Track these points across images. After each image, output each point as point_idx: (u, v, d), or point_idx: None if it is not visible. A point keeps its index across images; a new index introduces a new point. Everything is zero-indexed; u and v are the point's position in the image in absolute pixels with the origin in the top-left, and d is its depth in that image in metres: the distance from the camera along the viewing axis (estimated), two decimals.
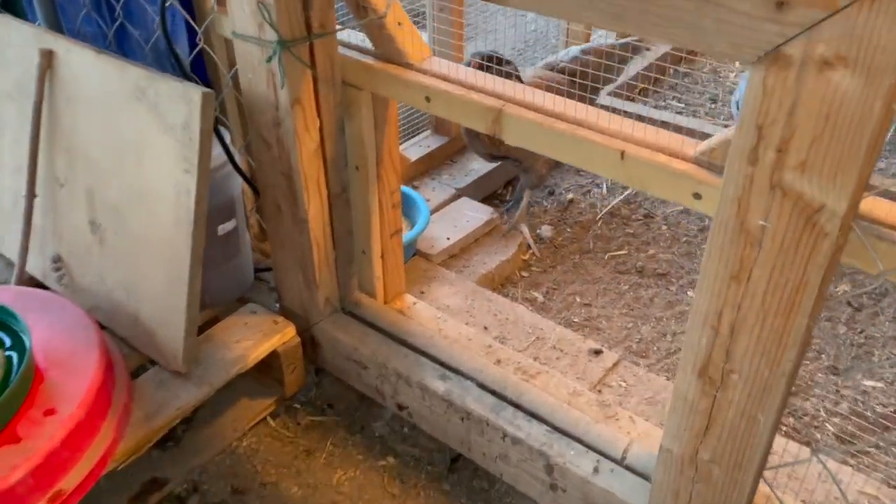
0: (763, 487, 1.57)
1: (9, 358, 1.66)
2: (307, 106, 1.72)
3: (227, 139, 1.95)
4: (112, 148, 1.85)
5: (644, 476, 1.64)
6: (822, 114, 0.99)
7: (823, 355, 2.35)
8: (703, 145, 1.33)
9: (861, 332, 2.41)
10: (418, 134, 3.06)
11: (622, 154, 1.39)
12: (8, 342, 1.70)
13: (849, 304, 2.51)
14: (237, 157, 1.97)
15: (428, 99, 1.65)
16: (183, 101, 1.66)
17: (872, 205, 1.15)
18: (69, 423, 1.57)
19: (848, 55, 0.93)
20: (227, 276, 2.09)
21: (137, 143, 1.78)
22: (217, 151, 1.90)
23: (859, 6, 0.90)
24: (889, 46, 0.90)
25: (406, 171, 2.86)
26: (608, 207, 2.97)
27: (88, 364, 1.69)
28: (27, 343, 1.66)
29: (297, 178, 1.80)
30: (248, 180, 2.02)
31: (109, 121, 1.84)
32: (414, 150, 2.97)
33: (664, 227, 2.88)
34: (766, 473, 1.47)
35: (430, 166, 2.99)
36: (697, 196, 1.32)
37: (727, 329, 1.24)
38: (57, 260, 2.08)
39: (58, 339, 1.76)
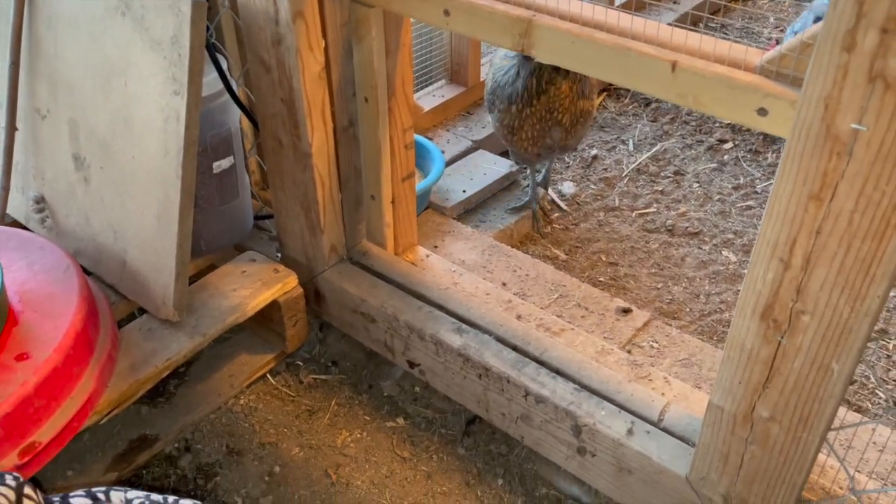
0: (832, 452, 1.39)
1: None
2: (311, 21, 1.53)
3: (225, 67, 1.77)
4: (96, 72, 1.67)
5: (684, 439, 1.47)
6: None
7: None
8: (772, 52, 1.13)
9: None
10: (433, 83, 2.86)
11: (673, 66, 1.20)
12: None
13: None
14: (234, 86, 1.79)
15: (447, 12, 1.45)
16: (171, 12, 1.48)
17: None
18: (44, 370, 1.41)
19: None
20: (224, 219, 1.91)
21: (122, 63, 1.60)
22: (212, 77, 1.72)
23: None
24: None
25: (419, 121, 2.67)
26: (635, 163, 2.78)
27: (67, 307, 1.53)
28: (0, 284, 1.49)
29: (299, 105, 1.62)
30: (247, 111, 1.84)
31: (93, 41, 1.65)
32: (427, 99, 2.78)
33: (696, 185, 2.68)
34: (828, 436, 1.29)
35: (444, 117, 2.79)
36: (763, 112, 1.13)
37: (800, 260, 1.05)
38: (40, 201, 1.92)
39: (35, 281, 1.60)
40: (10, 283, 1.56)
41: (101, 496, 1.11)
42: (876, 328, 2.13)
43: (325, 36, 1.59)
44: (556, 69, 2.04)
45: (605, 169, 2.78)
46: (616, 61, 1.26)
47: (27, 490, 1.04)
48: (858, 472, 1.50)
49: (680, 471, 1.42)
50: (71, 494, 1.10)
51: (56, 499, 1.10)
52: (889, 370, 2.01)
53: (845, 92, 0.91)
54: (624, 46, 1.25)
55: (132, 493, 1.14)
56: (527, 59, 2.05)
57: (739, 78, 1.14)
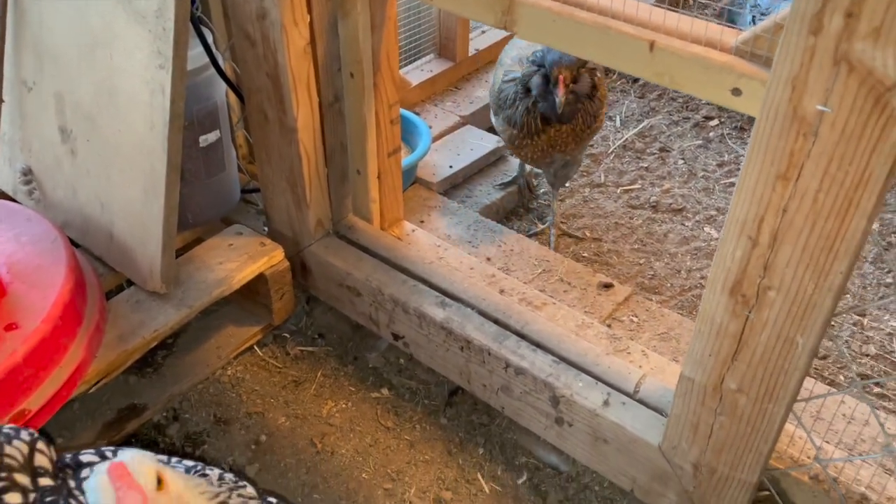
0: (787, 426, 1.44)
1: None
2: None
3: (210, 40, 1.77)
4: (81, 44, 1.67)
5: (658, 410, 1.51)
6: None
7: (848, 295, 2.21)
8: (746, 33, 1.16)
9: (889, 272, 2.26)
10: (420, 57, 2.86)
11: (651, 45, 1.22)
12: None
13: (881, 239, 2.36)
14: (220, 60, 1.80)
15: None
16: None
17: None
18: (32, 339, 1.43)
19: None
20: (211, 192, 1.93)
21: (107, 35, 1.61)
22: (197, 51, 1.72)
23: None
24: None
25: (406, 95, 2.68)
26: (622, 140, 2.80)
27: (55, 278, 1.55)
28: None
29: (284, 80, 1.63)
30: (232, 85, 1.85)
31: (77, 13, 1.65)
32: (415, 73, 2.78)
33: (681, 162, 2.71)
34: (795, 408, 1.34)
35: (432, 92, 2.80)
36: (737, 91, 1.16)
37: (768, 238, 1.09)
38: (27, 173, 1.92)
39: (22, 252, 1.62)
40: None
41: (109, 454, 1.15)
42: (849, 305, 2.18)
43: (310, 11, 1.60)
44: (548, 120, 1.97)
45: (592, 145, 2.80)
46: (596, 40, 1.28)
47: (40, 445, 1.08)
48: (827, 442, 1.55)
49: (653, 440, 1.47)
50: (81, 452, 1.14)
51: (68, 456, 1.14)
52: (863, 345, 2.06)
53: (812, 73, 0.94)
54: (604, 25, 1.26)
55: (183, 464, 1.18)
56: (527, 91, 1.97)
57: (714, 58, 1.17)
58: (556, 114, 1.93)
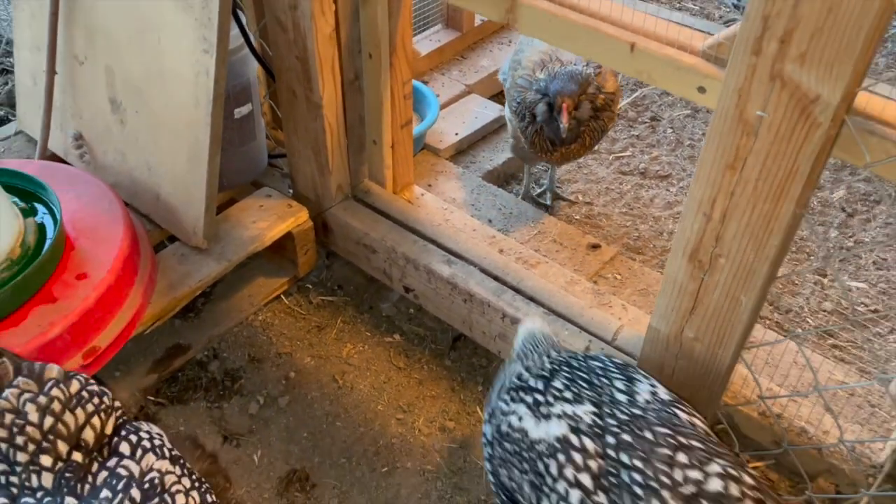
0: (742, 370, 1.70)
1: (41, 224, 1.76)
2: None
3: (244, 22, 1.97)
4: (131, 26, 1.87)
5: (632, 355, 1.77)
6: (824, 7, 1.03)
7: (813, 257, 2.46)
8: (711, 39, 1.37)
9: (852, 237, 2.50)
10: (429, 27, 3.04)
11: (632, 47, 1.43)
12: (40, 211, 1.80)
13: (843, 209, 2.59)
14: (252, 41, 2.00)
15: None
16: None
17: (867, 101, 1.21)
18: (101, 287, 1.68)
19: None
20: (243, 159, 2.16)
21: (156, 21, 1.81)
22: (234, 33, 1.92)
23: None
24: None
25: (416, 65, 2.87)
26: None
27: (115, 234, 1.79)
28: (57, 212, 1.75)
29: (312, 63, 1.84)
30: (264, 64, 2.06)
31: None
32: (424, 44, 2.97)
33: (669, 131, 2.92)
34: (746, 356, 1.60)
35: (440, 61, 2.99)
36: (702, 90, 1.37)
37: (719, 215, 1.32)
38: (78, 137, 2.15)
39: (84, 211, 1.85)
40: (63, 213, 1.81)
41: (146, 443, 1.27)
42: (814, 267, 2.43)
43: (335, 1, 1.80)
44: (562, 141, 2.11)
45: None
46: (586, 39, 1.49)
47: (95, 420, 1.23)
48: (778, 385, 1.82)
49: None
50: (125, 426, 1.29)
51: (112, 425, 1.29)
52: (822, 302, 2.31)
53: (753, 86, 1.16)
54: (593, 27, 1.47)
55: None
56: (534, 117, 2.11)
57: (684, 60, 1.38)
58: (560, 138, 2.10)
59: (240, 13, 1.97)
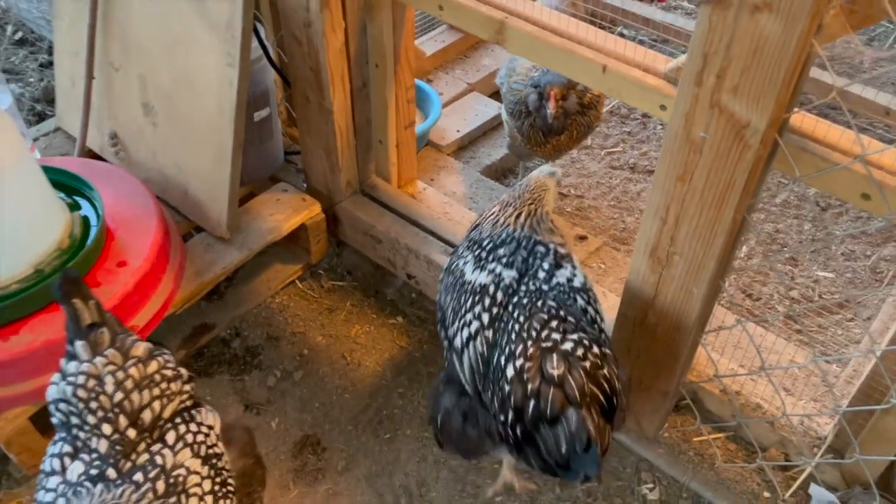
0: (704, 351, 1.92)
1: (85, 217, 1.99)
2: (335, 9, 1.95)
3: (263, 34, 2.18)
4: (162, 40, 2.09)
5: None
6: (751, 49, 1.23)
7: (786, 248, 2.65)
8: (671, 64, 1.56)
9: (824, 229, 2.69)
10: (434, 28, 3.23)
11: (604, 68, 1.63)
12: (83, 205, 2.03)
13: (817, 203, 2.78)
14: (271, 51, 2.21)
15: (441, 7, 1.86)
16: (226, 2, 1.89)
17: (802, 120, 1.41)
18: (138, 273, 1.92)
19: (772, 3, 1.17)
20: (262, 156, 2.38)
21: (185, 37, 2.03)
22: (253, 45, 2.13)
23: None
24: None
25: (421, 65, 3.07)
26: (608, 106, 3.18)
27: (149, 226, 2.02)
28: (99, 206, 1.98)
29: (324, 73, 2.05)
30: (280, 72, 2.27)
31: (160, 14, 2.07)
32: (430, 44, 3.16)
33: (659, 127, 3.10)
34: (709, 339, 1.81)
35: (444, 61, 3.18)
36: (663, 107, 1.57)
37: (673, 219, 1.53)
38: (113, 136, 2.38)
39: (122, 205, 2.08)
40: (104, 206, 2.05)
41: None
42: (786, 257, 2.62)
43: (345, 18, 2.00)
44: (547, 134, 2.31)
45: None
46: (564, 60, 1.69)
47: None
48: (741, 366, 2.03)
49: None
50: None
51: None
52: (789, 290, 2.51)
53: (697, 111, 1.36)
54: (569, 49, 1.67)
55: None
56: (528, 111, 2.30)
57: (648, 81, 1.58)
58: (547, 124, 2.29)
59: (259, 26, 2.18)
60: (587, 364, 1.42)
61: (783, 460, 1.94)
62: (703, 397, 2.01)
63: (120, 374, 1.39)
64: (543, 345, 1.46)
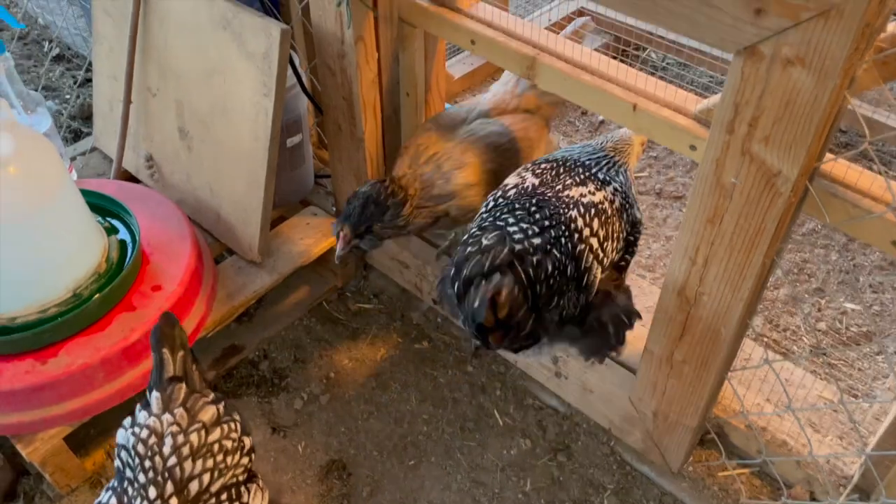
0: (730, 385, 1.92)
1: (122, 241, 2.04)
2: (368, 42, 1.98)
3: (297, 62, 2.22)
4: (200, 67, 2.14)
5: (632, 370, 2.00)
6: (783, 101, 1.24)
7: (813, 278, 2.64)
8: (702, 105, 1.58)
9: (851, 260, 2.68)
10: (462, 52, 3.26)
11: (634, 107, 1.64)
12: (119, 228, 2.08)
13: (844, 234, 2.76)
14: (304, 80, 2.25)
15: (473, 42, 1.89)
16: (263, 34, 1.93)
17: (833, 167, 1.41)
18: (172, 298, 1.96)
19: (805, 58, 1.18)
20: (293, 181, 2.42)
21: (221, 66, 2.07)
22: (288, 73, 2.17)
23: (816, 21, 1.14)
24: (836, 54, 1.14)
25: (450, 87, 3.10)
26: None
27: (183, 250, 2.07)
28: (136, 230, 2.03)
29: (356, 104, 2.08)
30: (313, 100, 2.31)
31: (198, 44, 2.12)
32: (458, 67, 3.19)
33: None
34: (735, 374, 1.81)
35: (472, 83, 3.21)
36: (693, 147, 1.58)
37: (702, 260, 1.54)
38: (149, 159, 2.43)
39: (157, 229, 2.13)
40: (140, 231, 2.10)
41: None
42: (813, 287, 2.61)
43: (378, 50, 2.04)
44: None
45: None
46: (595, 97, 1.71)
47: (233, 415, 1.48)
48: (768, 401, 2.03)
49: (625, 392, 1.96)
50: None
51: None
52: (817, 322, 2.50)
53: (728, 158, 1.38)
54: (601, 88, 1.69)
55: None
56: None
57: (678, 122, 1.59)
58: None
59: (293, 55, 2.22)
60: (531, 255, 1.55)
61: (808, 499, 1.93)
62: (729, 432, 2.00)
63: (180, 438, 1.38)
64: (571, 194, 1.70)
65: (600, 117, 3.27)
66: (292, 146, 2.32)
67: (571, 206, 1.68)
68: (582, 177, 1.79)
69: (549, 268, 1.58)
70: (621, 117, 1.69)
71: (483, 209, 1.76)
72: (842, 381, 2.33)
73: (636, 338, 2.11)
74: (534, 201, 1.70)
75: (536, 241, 1.58)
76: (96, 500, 1.43)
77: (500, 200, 1.74)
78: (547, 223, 1.64)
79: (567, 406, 2.18)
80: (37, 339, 1.81)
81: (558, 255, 1.60)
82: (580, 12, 3.31)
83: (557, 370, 2.10)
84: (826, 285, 2.61)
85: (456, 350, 2.35)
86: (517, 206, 1.69)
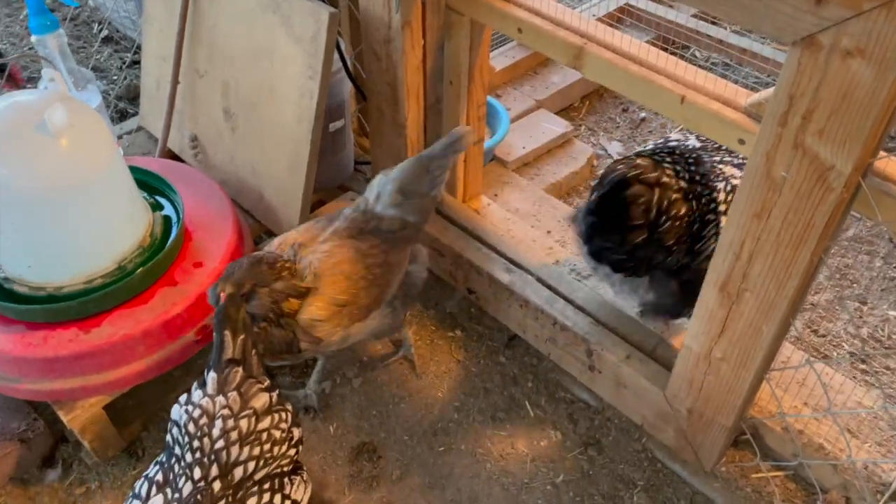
0: (768, 386, 1.89)
1: (166, 217, 2.08)
2: (415, 28, 1.99)
3: (342, 47, 2.24)
4: (247, 49, 2.17)
5: (667, 366, 1.98)
6: (840, 93, 1.22)
7: (856, 284, 2.58)
8: (753, 98, 1.55)
9: (895, 267, 2.61)
10: (505, 44, 3.25)
11: (682, 99, 1.62)
12: (165, 206, 2.12)
13: (890, 240, 2.70)
14: (349, 65, 2.27)
15: (520, 30, 1.88)
16: (312, 18, 1.95)
17: (887, 164, 1.38)
18: (213, 274, 1.99)
19: (865, 49, 1.15)
20: (334, 166, 2.44)
21: (269, 48, 2.10)
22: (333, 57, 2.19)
23: (879, 11, 1.11)
24: None
25: (491, 79, 3.09)
26: (680, 126, 3.15)
27: (225, 228, 2.10)
28: (180, 207, 2.07)
29: (400, 90, 2.09)
30: (357, 86, 2.32)
31: (247, 26, 2.15)
32: (500, 59, 3.18)
33: None
34: (773, 375, 1.78)
35: (513, 76, 3.20)
36: (742, 141, 1.56)
37: (747, 255, 1.52)
38: (194, 139, 2.47)
39: (199, 207, 2.16)
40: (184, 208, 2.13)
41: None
42: (856, 293, 2.56)
43: (424, 37, 2.04)
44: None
45: (651, 131, 3.17)
46: (642, 88, 1.69)
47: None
48: (805, 404, 1.99)
49: (660, 389, 1.94)
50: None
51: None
52: (858, 329, 2.45)
53: (779, 151, 1.35)
54: (648, 78, 1.67)
55: None
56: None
57: (727, 115, 1.57)
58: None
59: (339, 40, 2.24)
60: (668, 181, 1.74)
61: None
62: (764, 433, 1.97)
63: (230, 423, 1.38)
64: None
65: (641, 114, 3.24)
66: (334, 131, 2.34)
67: (721, 178, 1.79)
68: (738, 160, 1.86)
69: (682, 211, 1.74)
70: (668, 109, 1.67)
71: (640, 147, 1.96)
72: (884, 387, 2.28)
73: (672, 336, 2.09)
74: (693, 157, 1.83)
75: (683, 184, 1.75)
76: (144, 473, 1.45)
77: (660, 145, 1.91)
78: (698, 178, 1.77)
79: (599, 400, 2.17)
80: (82, 309, 1.85)
81: (694, 208, 1.74)
82: (624, 8, 3.29)
83: (591, 363, 2.09)
84: (869, 292, 2.56)
85: (489, 340, 2.35)
86: (677, 153, 1.85)
